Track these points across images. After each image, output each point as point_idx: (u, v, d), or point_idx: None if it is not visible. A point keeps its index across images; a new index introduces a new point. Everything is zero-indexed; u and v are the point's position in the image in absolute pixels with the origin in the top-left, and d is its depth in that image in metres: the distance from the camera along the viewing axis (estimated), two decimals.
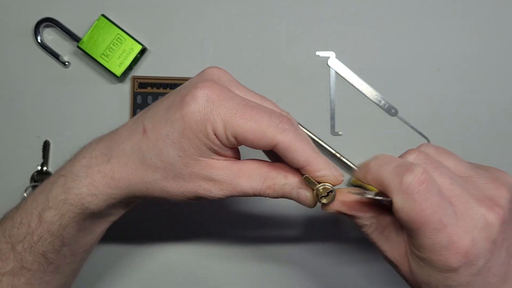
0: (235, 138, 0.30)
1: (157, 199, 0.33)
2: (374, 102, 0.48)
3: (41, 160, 0.48)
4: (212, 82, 0.31)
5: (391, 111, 0.47)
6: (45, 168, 0.48)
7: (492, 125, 0.47)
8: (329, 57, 0.48)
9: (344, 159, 0.46)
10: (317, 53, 0.48)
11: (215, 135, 0.30)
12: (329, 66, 0.48)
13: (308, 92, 0.48)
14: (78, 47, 0.47)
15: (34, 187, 0.48)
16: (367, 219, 0.32)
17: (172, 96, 0.32)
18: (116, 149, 0.32)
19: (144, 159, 0.31)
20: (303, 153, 0.30)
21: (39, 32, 0.49)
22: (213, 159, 0.31)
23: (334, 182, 0.31)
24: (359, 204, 0.31)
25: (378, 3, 0.48)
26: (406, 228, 0.29)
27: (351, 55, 0.48)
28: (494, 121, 0.47)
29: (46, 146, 0.49)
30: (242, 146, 0.32)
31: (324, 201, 0.31)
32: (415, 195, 0.27)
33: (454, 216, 0.28)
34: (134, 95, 0.48)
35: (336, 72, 0.48)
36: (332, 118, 0.48)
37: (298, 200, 0.33)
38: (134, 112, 0.48)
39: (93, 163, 0.33)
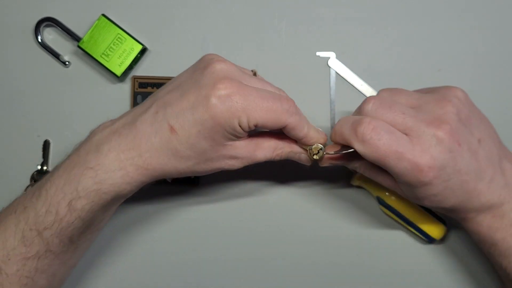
0: (256, 125, 0.37)
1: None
2: None
3: (41, 160, 0.49)
4: (229, 80, 0.36)
5: None
6: (45, 168, 0.48)
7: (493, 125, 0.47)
8: (329, 58, 0.48)
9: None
10: (317, 53, 0.48)
11: (240, 126, 0.36)
12: (329, 67, 0.48)
13: (308, 92, 0.48)
14: (79, 46, 0.48)
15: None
16: (355, 163, 0.40)
17: (190, 91, 0.36)
18: (144, 145, 0.36)
19: (177, 151, 0.36)
20: (302, 129, 0.38)
21: (39, 32, 0.49)
22: (236, 141, 0.38)
23: (321, 141, 0.40)
24: (344, 156, 0.39)
25: (379, 4, 0.48)
26: (378, 165, 0.36)
27: (351, 56, 0.48)
28: (494, 122, 0.47)
29: (46, 145, 0.49)
30: None
31: (316, 157, 0.39)
32: (368, 140, 0.35)
33: (409, 144, 0.35)
34: (134, 95, 0.48)
35: (336, 72, 0.48)
36: (332, 118, 0.48)
37: (299, 161, 0.41)
38: None
39: (123, 157, 0.36)
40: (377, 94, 0.40)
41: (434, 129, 0.35)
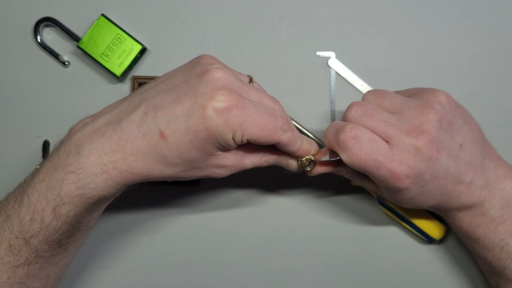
0: (248, 140, 0.36)
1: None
2: None
3: (41, 160, 0.48)
4: (228, 92, 0.34)
5: None
6: None
7: (493, 126, 0.47)
8: (329, 58, 0.48)
9: None
10: (317, 53, 0.48)
11: (233, 140, 0.35)
12: (330, 67, 0.48)
13: (308, 92, 0.48)
14: (78, 46, 0.47)
15: None
16: (342, 170, 0.40)
17: (185, 98, 0.35)
18: (130, 148, 0.35)
19: (165, 158, 0.35)
20: (295, 145, 0.38)
21: (38, 32, 0.49)
22: (226, 152, 0.37)
23: (312, 152, 0.40)
24: (332, 164, 0.40)
25: (379, 4, 0.48)
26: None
27: (351, 55, 0.48)
28: (495, 122, 0.47)
29: (46, 146, 0.49)
30: None
31: (308, 169, 0.40)
32: (350, 148, 0.36)
33: (389, 153, 0.36)
34: None
35: (336, 72, 0.48)
36: (332, 118, 0.48)
37: (286, 167, 0.41)
38: None
39: (106, 160, 0.35)
40: (362, 98, 0.41)
41: (413, 139, 0.36)
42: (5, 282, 0.36)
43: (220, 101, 0.34)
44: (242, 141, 0.35)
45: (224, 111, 0.34)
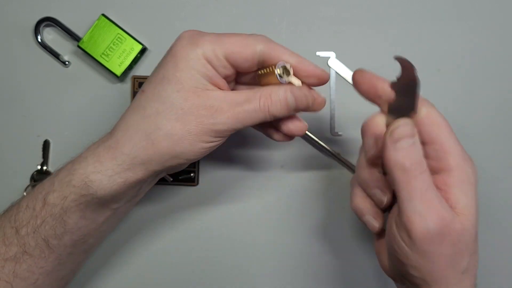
0: (225, 57, 0.33)
1: (173, 168, 0.35)
2: None
3: (41, 160, 0.49)
4: (188, 30, 0.34)
5: None
6: (45, 168, 0.48)
7: (492, 126, 0.47)
8: (329, 57, 0.48)
9: (343, 159, 0.46)
10: (317, 53, 0.48)
11: (206, 59, 0.32)
12: (329, 67, 0.48)
13: None
14: (78, 46, 0.47)
15: (34, 186, 0.48)
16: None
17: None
18: (117, 127, 0.34)
19: (144, 109, 0.33)
20: (283, 54, 0.34)
21: (39, 32, 0.49)
22: (209, 90, 0.33)
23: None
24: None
25: (378, 4, 0.48)
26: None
27: (351, 55, 0.48)
28: (494, 122, 0.47)
29: (46, 145, 0.49)
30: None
31: (290, 79, 0.35)
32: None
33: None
34: (134, 94, 0.48)
35: (336, 72, 0.48)
36: (332, 118, 0.48)
37: (296, 99, 0.35)
38: None
39: (98, 145, 0.34)
40: None
41: None
42: None
43: (181, 34, 0.34)
44: (217, 57, 0.33)
45: (186, 36, 0.33)
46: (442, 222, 0.29)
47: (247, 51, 0.33)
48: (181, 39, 0.34)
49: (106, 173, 0.33)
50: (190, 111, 0.32)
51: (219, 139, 0.34)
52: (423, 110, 0.32)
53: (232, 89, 0.38)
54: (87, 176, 0.33)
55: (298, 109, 0.36)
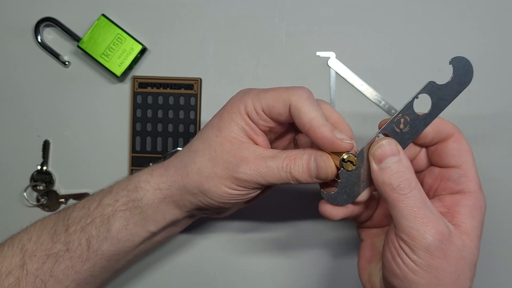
0: (263, 111, 0.34)
1: (206, 208, 0.37)
2: (374, 103, 0.48)
3: (41, 160, 0.49)
4: (245, 89, 0.36)
5: (391, 111, 0.47)
6: (45, 168, 0.48)
7: (492, 126, 0.47)
8: (329, 58, 0.48)
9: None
10: (317, 53, 0.48)
11: (247, 114, 0.35)
12: (329, 67, 0.48)
13: None
14: (78, 46, 0.47)
15: (33, 186, 0.49)
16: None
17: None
18: (171, 160, 0.38)
19: (191, 148, 0.37)
20: (308, 113, 0.33)
21: (39, 32, 0.49)
22: (244, 141, 0.35)
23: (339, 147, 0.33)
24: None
25: (378, 4, 0.48)
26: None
27: (351, 55, 0.48)
28: (494, 122, 0.47)
29: (46, 145, 0.49)
30: None
31: (349, 168, 0.32)
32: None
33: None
34: (134, 95, 0.48)
35: (336, 72, 0.48)
36: None
37: (317, 167, 0.34)
38: (134, 112, 0.48)
39: (155, 166, 0.38)
40: None
41: None
42: (32, 273, 0.36)
43: (234, 98, 0.36)
44: (256, 111, 0.34)
45: (238, 93, 0.36)
46: (440, 236, 0.30)
47: (278, 105, 0.34)
48: (235, 94, 0.37)
49: (152, 185, 0.37)
50: (221, 155, 0.35)
51: (242, 189, 0.35)
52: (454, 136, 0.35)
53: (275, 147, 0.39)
54: (139, 182, 0.37)
55: (319, 178, 0.34)
